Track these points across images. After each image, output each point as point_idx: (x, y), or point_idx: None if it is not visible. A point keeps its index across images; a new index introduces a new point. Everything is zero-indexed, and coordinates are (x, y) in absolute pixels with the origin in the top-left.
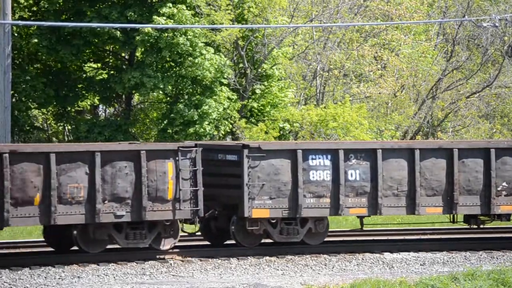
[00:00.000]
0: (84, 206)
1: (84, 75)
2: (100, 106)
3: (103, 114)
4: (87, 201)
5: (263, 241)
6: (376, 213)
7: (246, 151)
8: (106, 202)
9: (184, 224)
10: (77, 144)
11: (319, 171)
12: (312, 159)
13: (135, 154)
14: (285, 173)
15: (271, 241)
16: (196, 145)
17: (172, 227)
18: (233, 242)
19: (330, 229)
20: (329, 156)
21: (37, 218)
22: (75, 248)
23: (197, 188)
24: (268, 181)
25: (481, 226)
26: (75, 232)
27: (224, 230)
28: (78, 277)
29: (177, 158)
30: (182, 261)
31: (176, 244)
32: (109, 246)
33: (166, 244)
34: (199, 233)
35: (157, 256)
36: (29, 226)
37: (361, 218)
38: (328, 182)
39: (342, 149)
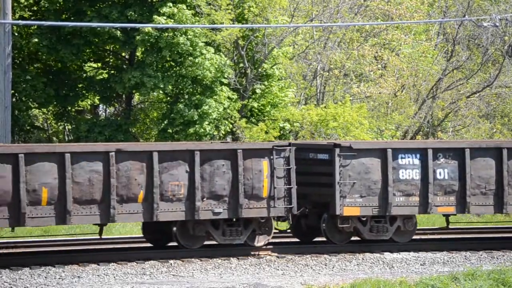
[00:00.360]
0: (184, 203)
1: (84, 75)
2: (100, 105)
3: (103, 113)
4: (187, 199)
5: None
6: (464, 211)
7: (337, 150)
8: (204, 199)
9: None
10: (176, 143)
11: (408, 170)
12: (402, 158)
13: (232, 153)
14: (375, 172)
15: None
16: (290, 144)
17: (266, 224)
18: (322, 239)
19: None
20: (418, 155)
21: (141, 215)
22: (173, 244)
23: (290, 186)
24: (359, 180)
25: None
26: (174, 228)
27: (314, 227)
28: (78, 277)
29: (271, 157)
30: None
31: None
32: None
33: (260, 240)
34: (286, 230)
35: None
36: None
37: (447, 216)
38: (417, 181)
39: (431, 148)
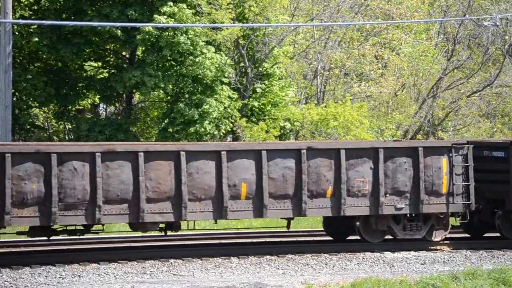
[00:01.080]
0: (368, 199)
1: (85, 74)
2: (101, 105)
3: (104, 113)
4: (371, 194)
5: None
6: None
7: None
8: (387, 195)
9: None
10: (361, 141)
11: None
12: None
13: (413, 151)
14: None
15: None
16: (468, 142)
17: (444, 220)
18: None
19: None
20: None
21: (329, 209)
22: (354, 238)
23: (468, 183)
24: None
25: None
26: (357, 223)
27: (487, 223)
28: (79, 276)
29: (450, 155)
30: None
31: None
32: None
33: (437, 235)
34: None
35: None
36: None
37: None
38: None
39: None
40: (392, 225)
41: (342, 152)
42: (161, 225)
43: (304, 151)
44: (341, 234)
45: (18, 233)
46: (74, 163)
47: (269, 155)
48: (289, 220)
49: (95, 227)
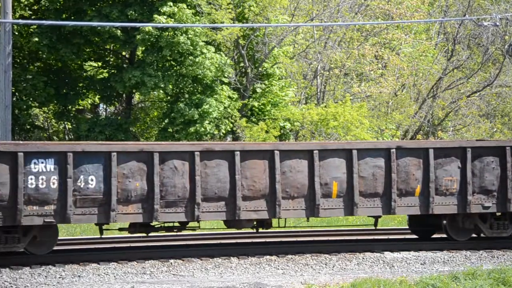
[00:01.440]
0: (456, 198)
1: (85, 74)
2: (101, 105)
3: (104, 113)
4: (459, 193)
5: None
6: None
7: None
8: (475, 194)
9: None
10: (450, 141)
11: None
12: None
13: (500, 150)
14: None
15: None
16: None
17: None
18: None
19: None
20: None
21: (417, 208)
22: (441, 236)
23: None
24: None
25: None
26: (444, 221)
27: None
28: (79, 276)
29: None
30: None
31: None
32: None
33: None
34: None
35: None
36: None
37: None
38: None
39: None
40: (479, 224)
41: (431, 152)
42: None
43: (394, 150)
44: (427, 233)
45: (120, 229)
46: (175, 162)
47: (359, 154)
48: (376, 218)
49: (190, 224)
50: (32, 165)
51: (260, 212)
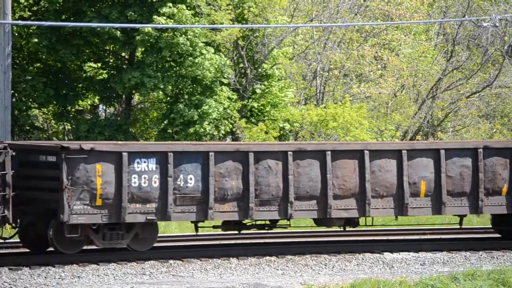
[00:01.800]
0: None
1: (84, 75)
2: (100, 106)
3: (103, 114)
4: None
5: None
6: None
7: None
8: None
9: None
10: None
11: None
12: None
13: None
14: None
15: None
16: None
17: None
18: None
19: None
20: None
21: (504, 207)
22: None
23: None
24: None
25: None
26: None
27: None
28: (78, 277)
29: None
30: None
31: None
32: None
33: None
34: None
35: None
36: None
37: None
38: None
39: None
40: None
41: None
42: None
43: (481, 150)
44: (511, 233)
45: (214, 227)
46: (269, 161)
47: (447, 154)
48: (462, 217)
49: (280, 222)
50: (135, 165)
51: (350, 210)
